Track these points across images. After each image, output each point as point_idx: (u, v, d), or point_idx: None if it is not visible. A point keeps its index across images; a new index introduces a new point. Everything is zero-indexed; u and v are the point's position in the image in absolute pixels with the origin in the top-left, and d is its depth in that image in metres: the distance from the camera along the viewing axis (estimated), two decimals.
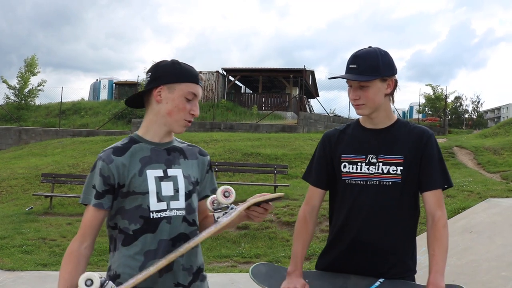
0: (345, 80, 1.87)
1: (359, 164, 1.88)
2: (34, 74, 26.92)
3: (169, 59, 1.78)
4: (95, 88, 29.91)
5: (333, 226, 2.00)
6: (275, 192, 9.45)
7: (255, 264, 2.04)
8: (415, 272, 1.93)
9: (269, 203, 1.64)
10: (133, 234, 1.60)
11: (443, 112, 25.30)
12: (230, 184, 10.88)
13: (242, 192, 9.78)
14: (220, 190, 1.62)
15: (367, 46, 1.89)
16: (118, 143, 1.70)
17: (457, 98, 34.88)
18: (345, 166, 1.90)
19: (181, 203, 1.66)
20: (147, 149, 1.68)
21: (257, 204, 1.62)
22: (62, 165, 13.16)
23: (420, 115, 27.65)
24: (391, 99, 1.91)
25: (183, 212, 1.66)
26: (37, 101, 27.34)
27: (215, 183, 1.88)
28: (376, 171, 1.85)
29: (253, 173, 10.85)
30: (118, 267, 1.61)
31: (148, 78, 1.71)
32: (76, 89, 62.91)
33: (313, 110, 26.85)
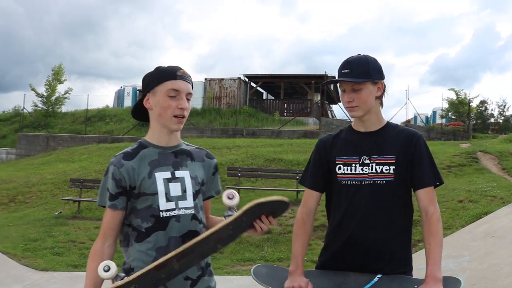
0: (338, 85, 2.01)
1: (353, 165, 1.97)
2: (60, 82, 27.54)
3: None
4: (120, 95, 30.42)
5: (330, 226, 2.08)
6: (297, 198, 9.55)
7: (256, 265, 2.10)
8: (411, 268, 2.00)
9: (275, 219, 1.70)
10: (145, 232, 1.72)
11: (467, 116, 24.97)
12: (253, 190, 10.96)
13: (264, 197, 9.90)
14: (225, 193, 1.70)
15: (356, 54, 2.03)
16: (128, 149, 1.82)
17: (482, 102, 34.29)
18: (340, 168, 1.99)
19: (189, 202, 1.78)
20: (155, 153, 1.79)
21: (261, 211, 1.66)
22: (89, 170, 13.49)
23: (443, 120, 27.28)
24: (380, 103, 2.03)
25: (191, 211, 1.78)
26: (63, 109, 28.02)
27: (220, 186, 1.98)
28: (370, 171, 1.94)
29: (275, 178, 10.96)
30: (132, 261, 1.74)
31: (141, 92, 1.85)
32: (100, 96, 64.08)
33: (335, 116, 26.84)
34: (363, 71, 1.92)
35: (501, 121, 35.06)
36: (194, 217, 1.78)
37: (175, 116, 1.76)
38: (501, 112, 35.94)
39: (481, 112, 34.17)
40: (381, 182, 1.93)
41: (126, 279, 1.55)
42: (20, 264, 6.03)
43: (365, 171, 1.95)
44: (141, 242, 1.73)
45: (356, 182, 1.96)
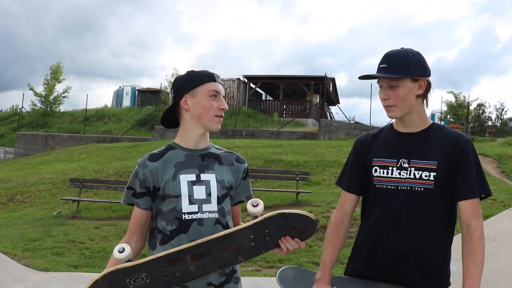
0: (376, 81, 1.84)
1: (390, 168, 1.83)
2: (59, 82, 27.51)
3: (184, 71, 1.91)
4: (118, 95, 30.39)
5: (361, 231, 1.95)
6: (297, 199, 9.55)
7: (283, 268, 2.02)
8: (448, 284, 1.84)
9: (303, 242, 1.67)
10: (169, 234, 1.73)
11: (465, 119, 25.03)
12: (253, 191, 10.98)
13: (264, 198, 9.89)
14: (249, 200, 1.66)
15: (399, 48, 1.85)
16: (156, 150, 1.85)
17: (480, 106, 34.43)
18: (376, 170, 1.86)
19: (213, 206, 1.76)
20: (181, 155, 1.80)
21: (285, 226, 1.63)
22: (88, 170, 13.46)
23: (442, 123, 27.34)
24: (424, 102, 1.84)
25: (215, 215, 1.75)
26: (62, 108, 27.98)
27: (251, 190, 1.95)
28: (408, 176, 1.79)
29: (275, 179, 10.97)
30: None
31: (172, 95, 1.85)
32: (99, 96, 63.98)
33: (334, 117, 26.85)
34: (402, 66, 1.75)
35: (498, 124, 35.17)
36: (218, 221, 1.76)
37: (216, 116, 1.79)
38: (499, 116, 36.07)
39: (478, 115, 34.29)
40: (419, 189, 1.77)
41: (135, 262, 1.54)
42: (20, 264, 6.01)
43: (403, 176, 1.80)
44: (164, 245, 1.74)
45: (392, 187, 1.82)
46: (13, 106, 30.88)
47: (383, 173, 1.84)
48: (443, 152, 1.78)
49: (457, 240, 1.81)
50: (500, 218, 5.97)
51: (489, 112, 35.94)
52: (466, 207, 1.74)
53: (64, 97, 27.45)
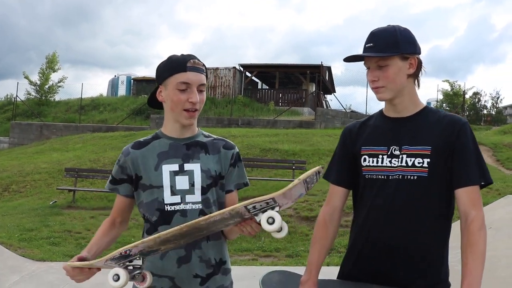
0: (363, 62, 1.69)
1: (380, 156, 1.68)
2: (54, 71, 27.35)
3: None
4: (114, 84, 30.26)
5: (353, 227, 1.82)
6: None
7: (268, 272, 1.85)
8: (448, 285, 1.69)
9: (259, 226, 1.41)
10: (154, 224, 1.71)
11: (461, 108, 25.08)
12: (249, 180, 10.97)
13: (260, 187, 9.90)
14: (264, 214, 1.38)
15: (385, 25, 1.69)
16: (142, 138, 1.82)
17: (476, 94, 34.46)
18: (365, 160, 1.71)
19: (196, 197, 1.70)
20: (166, 144, 1.76)
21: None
22: (83, 160, 13.41)
23: None
24: (416, 82, 1.70)
25: (199, 206, 1.70)
26: (57, 97, 27.85)
27: (243, 178, 1.84)
28: (400, 164, 1.64)
29: (271, 168, 10.97)
30: None
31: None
32: (94, 85, 63.50)
33: (330, 106, 26.82)
34: (390, 43, 1.61)
35: (494, 112, 35.25)
36: (202, 212, 1.70)
37: (186, 110, 1.70)
38: (494, 104, 36.13)
39: (474, 103, 34.33)
40: (412, 177, 1.62)
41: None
42: (16, 254, 6.00)
43: (394, 164, 1.65)
44: (150, 235, 1.71)
45: (382, 177, 1.66)
46: (7, 95, 30.59)
47: (373, 162, 1.70)
48: (437, 136, 1.63)
49: (455, 227, 1.70)
50: (496, 207, 5.98)
51: (485, 101, 35.99)
52: (464, 196, 1.59)
53: (59, 86, 27.33)
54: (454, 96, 27.34)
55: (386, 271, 1.66)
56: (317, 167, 1.42)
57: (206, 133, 1.84)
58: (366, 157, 1.72)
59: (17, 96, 24.69)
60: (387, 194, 1.65)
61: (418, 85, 1.71)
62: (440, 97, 28.34)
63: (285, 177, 10.59)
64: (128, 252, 1.46)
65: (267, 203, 1.38)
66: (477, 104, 34.94)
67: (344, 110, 20.81)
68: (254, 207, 1.39)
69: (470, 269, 1.50)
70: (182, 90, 1.68)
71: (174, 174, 1.71)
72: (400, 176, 1.64)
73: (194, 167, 1.73)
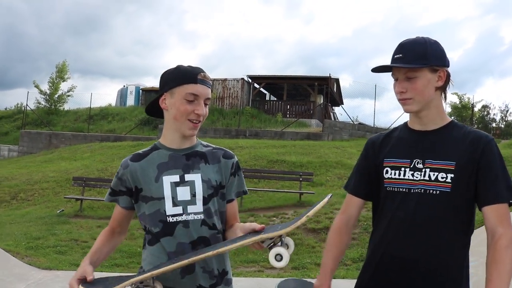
0: (391, 73, 1.68)
1: (403, 169, 1.67)
2: (64, 80, 27.58)
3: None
4: (122, 94, 30.41)
5: (372, 240, 1.80)
6: (300, 200, 9.53)
7: (284, 279, 1.92)
8: None
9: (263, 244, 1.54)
10: (156, 236, 1.71)
11: (469, 121, 24.95)
12: (256, 191, 10.90)
13: (267, 199, 9.88)
14: (272, 250, 1.45)
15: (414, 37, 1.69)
16: (141, 150, 1.82)
17: (484, 107, 34.29)
18: (387, 172, 1.70)
19: (198, 207, 1.70)
20: (165, 156, 1.75)
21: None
22: (91, 169, 13.48)
23: None
24: (443, 95, 1.69)
25: (201, 216, 1.70)
26: (66, 107, 28.04)
27: (243, 186, 1.88)
28: (422, 178, 1.63)
29: (278, 180, 10.95)
30: (145, 264, 1.74)
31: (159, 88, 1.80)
32: (103, 95, 64.03)
33: (337, 118, 26.79)
34: (419, 55, 1.59)
35: (503, 125, 35.02)
36: (204, 222, 1.70)
37: (190, 121, 1.71)
38: (503, 117, 35.90)
39: (483, 116, 34.15)
40: (434, 192, 1.61)
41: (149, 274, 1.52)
42: (23, 262, 6.01)
43: (416, 177, 1.64)
44: (153, 246, 1.73)
45: (404, 190, 1.65)
46: (17, 104, 30.94)
47: (395, 174, 1.68)
48: (462, 152, 1.61)
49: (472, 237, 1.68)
50: None
51: (494, 114, 35.76)
52: (492, 213, 1.56)
53: (68, 95, 27.54)
54: (462, 109, 27.20)
55: (404, 285, 1.64)
56: (326, 200, 1.47)
57: (205, 143, 1.85)
58: (389, 169, 1.71)
59: (27, 105, 24.91)
60: (408, 207, 1.64)
61: (445, 98, 1.71)
62: (449, 110, 28.26)
63: (292, 189, 10.56)
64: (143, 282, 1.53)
65: (274, 242, 1.48)
66: (486, 117, 34.73)
67: (352, 122, 20.76)
68: (262, 242, 1.49)
69: (495, 287, 1.46)
70: (190, 101, 1.69)
71: (175, 185, 1.71)
72: (422, 190, 1.63)
73: (195, 178, 1.73)
